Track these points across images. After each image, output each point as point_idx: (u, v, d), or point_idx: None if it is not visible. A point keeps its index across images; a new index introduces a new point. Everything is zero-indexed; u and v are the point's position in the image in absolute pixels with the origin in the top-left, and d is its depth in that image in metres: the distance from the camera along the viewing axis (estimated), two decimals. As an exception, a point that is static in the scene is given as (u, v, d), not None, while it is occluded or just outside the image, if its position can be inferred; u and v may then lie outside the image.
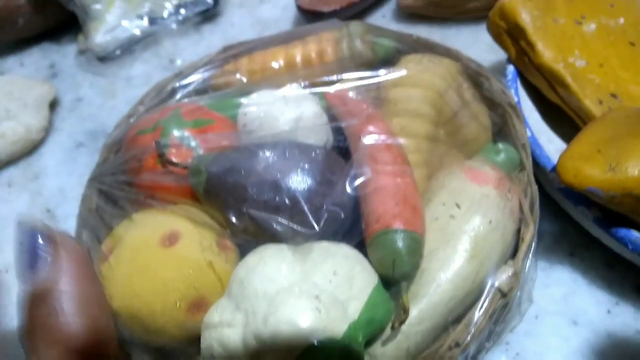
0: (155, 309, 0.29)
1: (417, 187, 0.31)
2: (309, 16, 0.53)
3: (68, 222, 0.44)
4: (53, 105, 0.52)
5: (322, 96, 0.38)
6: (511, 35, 0.40)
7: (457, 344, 0.27)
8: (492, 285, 0.29)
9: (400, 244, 0.28)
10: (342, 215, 0.30)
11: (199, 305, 0.29)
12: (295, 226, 0.29)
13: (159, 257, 0.30)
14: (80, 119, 0.52)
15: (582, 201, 0.33)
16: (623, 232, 0.31)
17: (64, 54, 0.58)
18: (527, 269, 0.30)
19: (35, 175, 0.48)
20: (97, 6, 0.55)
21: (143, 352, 0.30)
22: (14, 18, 0.56)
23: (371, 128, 0.33)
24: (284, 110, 0.35)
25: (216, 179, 0.31)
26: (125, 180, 0.35)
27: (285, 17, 0.57)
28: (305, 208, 0.29)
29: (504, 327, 0.31)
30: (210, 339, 0.26)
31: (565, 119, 0.38)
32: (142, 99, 0.42)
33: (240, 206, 0.30)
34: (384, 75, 0.38)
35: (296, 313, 0.25)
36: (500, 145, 0.34)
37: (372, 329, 0.27)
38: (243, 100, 0.37)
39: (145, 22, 0.57)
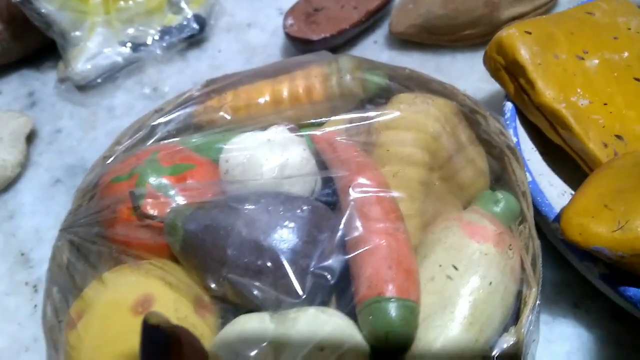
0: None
1: (411, 246, 0.29)
2: (297, 44, 0.51)
3: (43, 267, 0.41)
4: (30, 136, 0.50)
5: (310, 139, 0.35)
6: (509, 72, 0.37)
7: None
8: (493, 358, 0.26)
9: (393, 314, 0.26)
10: (331, 280, 0.27)
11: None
12: (278, 293, 0.27)
13: (131, 326, 0.27)
14: (58, 153, 0.50)
15: (588, 256, 0.30)
16: (632, 291, 0.29)
17: (44, 81, 0.56)
18: (530, 333, 0.28)
19: (10, 214, 0.46)
20: (77, 33, 0.52)
21: None
22: (-8, 45, 0.54)
23: (361, 179, 0.31)
24: (269, 156, 0.33)
25: (193, 238, 0.29)
26: (98, 232, 0.33)
27: (273, 42, 0.55)
28: (290, 272, 0.27)
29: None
30: None
31: (567, 160, 0.36)
32: (119, 138, 0.40)
33: (219, 269, 0.28)
34: (375, 116, 0.36)
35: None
36: (499, 194, 0.32)
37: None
38: (226, 145, 0.35)
39: (128, 48, 0.54)
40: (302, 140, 0.35)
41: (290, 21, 0.51)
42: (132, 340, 0.27)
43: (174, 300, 0.28)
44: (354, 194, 0.30)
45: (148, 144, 0.39)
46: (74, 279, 0.32)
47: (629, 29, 0.39)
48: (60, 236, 0.35)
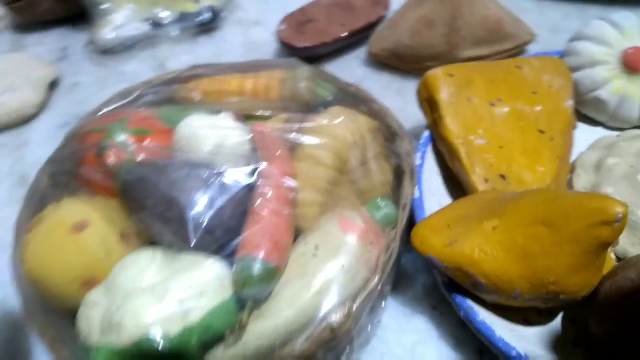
0: (55, 280, 0.35)
1: (289, 225, 0.36)
2: (285, 47, 0.58)
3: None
4: (53, 84, 0.60)
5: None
6: (429, 105, 0.44)
7: (280, 362, 0.32)
8: (325, 320, 0.33)
9: (254, 270, 0.33)
10: (217, 235, 0.35)
11: (91, 284, 0.35)
12: (177, 239, 0.35)
13: (66, 239, 0.36)
14: (72, 102, 0.59)
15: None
16: (459, 298, 0.35)
17: (77, 40, 0.66)
18: (366, 313, 0.35)
19: (21, 144, 0.56)
20: (107, 5, 0.62)
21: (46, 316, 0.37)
22: (39, 2, 0.64)
23: (272, 168, 0.39)
24: (209, 135, 0.41)
25: (127, 185, 0.37)
26: (69, 169, 0.42)
27: (271, 41, 0.63)
28: (189, 224, 0.35)
29: (337, 357, 0.36)
30: (81, 314, 0.33)
31: (460, 188, 0.42)
32: (110, 99, 0.49)
33: (140, 212, 0.36)
34: (307, 120, 0.43)
35: (140, 308, 0.30)
36: (382, 203, 0.39)
37: (209, 335, 0.32)
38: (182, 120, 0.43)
39: (148, 25, 0.63)
40: (243, 127, 0.43)
41: (283, 26, 0.59)
42: (66, 250, 0.36)
43: (105, 227, 0.37)
44: (263, 177, 0.38)
45: (129, 108, 0.48)
46: (43, 200, 0.41)
47: (551, 86, 0.45)
48: (44, 166, 0.44)
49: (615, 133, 0.46)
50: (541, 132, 0.43)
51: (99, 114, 0.47)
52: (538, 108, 0.44)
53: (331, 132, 0.41)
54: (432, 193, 0.42)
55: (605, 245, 0.30)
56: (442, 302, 0.40)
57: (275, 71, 0.48)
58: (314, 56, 0.59)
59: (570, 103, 0.45)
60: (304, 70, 0.48)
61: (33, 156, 0.54)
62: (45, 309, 0.36)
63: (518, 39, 0.55)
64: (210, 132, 0.41)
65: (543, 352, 0.34)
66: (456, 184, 0.44)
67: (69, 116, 0.58)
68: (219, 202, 0.36)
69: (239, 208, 0.37)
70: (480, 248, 0.33)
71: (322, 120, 0.43)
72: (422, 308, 0.40)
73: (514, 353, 0.33)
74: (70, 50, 0.65)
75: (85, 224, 0.37)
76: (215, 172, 0.38)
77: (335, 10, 0.60)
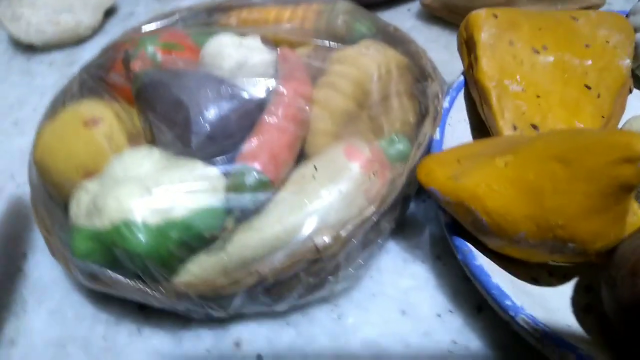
0: (60, 166, 0.36)
1: (292, 143, 0.35)
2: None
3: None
4: (110, 11, 0.62)
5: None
6: (468, 47, 0.41)
7: (258, 273, 0.31)
8: (310, 239, 0.32)
9: (247, 179, 0.33)
10: (219, 142, 0.34)
11: (92, 175, 0.36)
12: (179, 141, 0.35)
13: (78, 132, 0.37)
14: (124, 29, 0.61)
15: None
16: (459, 241, 0.33)
17: (142, -25, 0.68)
18: (357, 242, 0.33)
19: (72, 62, 0.58)
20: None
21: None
22: None
23: (287, 87, 0.37)
24: (233, 53, 0.41)
25: (142, 88, 0.38)
26: (99, 74, 0.43)
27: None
28: (192, 128, 0.35)
29: (322, 284, 0.34)
30: (73, 198, 0.33)
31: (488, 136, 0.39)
32: (151, 19, 0.49)
33: (149, 114, 0.36)
34: (334, 49, 0.42)
35: (125, 194, 0.30)
36: (396, 138, 0.37)
37: (191, 234, 0.31)
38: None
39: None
40: (268, 50, 0.42)
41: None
42: (75, 141, 0.37)
43: (116, 126, 0.37)
44: (277, 94, 0.37)
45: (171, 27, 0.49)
46: (69, 101, 0.42)
47: (607, 41, 0.41)
48: (78, 72, 0.45)
49: (678, 103, 0.41)
50: (587, 87, 0.39)
51: (140, 31, 0.48)
52: (588, 62, 0.40)
53: (356, 62, 0.40)
54: (456, 138, 0.39)
55: (627, 188, 0.26)
56: (447, 254, 0.38)
57: (314, 3, 0.47)
58: (365, 3, 0.57)
59: (627, 62, 0.40)
60: (343, 4, 0.46)
61: (81, 74, 0.57)
62: (48, 196, 0.37)
63: (584, 1, 0.50)
64: (234, 51, 0.41)
65: (545, 313, 0.31)
66: (485, 134, 0.40)
67: (120, 42, 0.60)
68: (227, 112, 0.36)
69: (246, 120, 0.36)
70: (486, 183, 0.30)
71: (350, 50, 0.41)
72: (425, 256, 0.38)
73: (508, 302, 0.30)
74: (133, -17, 0.67)
75: (98, 120, 0.38)
76: (229, 84, 0.37)
77: (394, -41, 0.58)
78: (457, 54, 0.42)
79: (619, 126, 0.40)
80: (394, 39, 0.45)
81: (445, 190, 0.31)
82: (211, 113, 0.35)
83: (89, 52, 0.59)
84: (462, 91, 0.41)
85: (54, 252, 0.34)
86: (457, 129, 0.40)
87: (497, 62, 0.39)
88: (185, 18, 0.50)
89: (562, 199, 0.27)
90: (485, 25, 0.40)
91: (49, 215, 0.36)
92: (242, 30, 0.46)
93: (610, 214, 0.27)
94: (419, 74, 0.42)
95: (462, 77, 0.42)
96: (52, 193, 0.37)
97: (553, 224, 0.28)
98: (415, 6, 0.58)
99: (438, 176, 0.32)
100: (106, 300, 0.37)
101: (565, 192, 0.27)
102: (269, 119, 0.36)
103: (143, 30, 0.49)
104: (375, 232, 0.35)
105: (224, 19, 0.49)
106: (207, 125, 0.35)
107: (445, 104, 0.40)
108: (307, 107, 0.37)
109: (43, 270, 0.40)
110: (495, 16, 0.40)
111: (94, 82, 0.43)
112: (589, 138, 0.27)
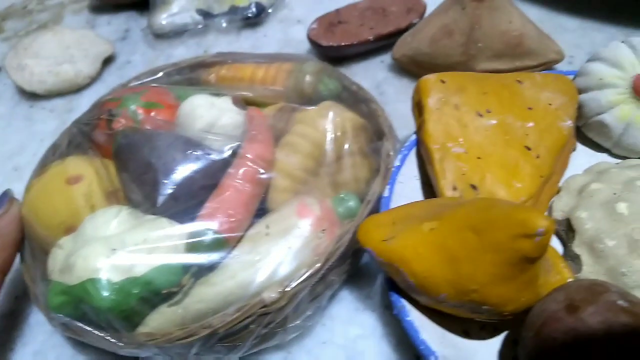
0: (45, 222, 0.40)
1: (248, 202, 0.39)
2: (313, 45, 0.61)
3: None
4: (108, 60, 0.67)
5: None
6: (418, 109, 0.44)
7: (210, 326, 0.35)
8: (259, 294, 0.35)
9: (206, 238, 0.36)
10: (181, 202, 0.38)
11: (72, 231, 0.40)
12: (146, 200, 0.39)
13: (61, 189, 0.41)
14: (121, 78, 0.66)
15: (384, 262, 0.37)
16: (395, 296, 0.36)
17: (138, 24, 0.73)
18: (305, 296, 0.36)
19: (69, 109, 0.63)
20: (166, -6, 0.68)
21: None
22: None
23: (250, 149, 0.41)
24: (204, 114, 0.45)
25: (119, 149, 0.42)
26: (85, 131, 0.47)
27: (306, 40, 0.65)
28: (159, 189, 0.39)
29: (273, 335, 0.37)
30: (50, 254, 0.37)
31: (434, 195, 0.42)
32: (139, 75, 0.54)
33: (124, 173, 0.41)
34: (299, 111, 0.45)
35: (92, 254, 0.34)
36: (346, 196, 0.41)
37: (150, 290, 0.35)
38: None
39: (200, 16, 0.69)
40: (238, 111, 0.46)
41: (314, 25, 0.61)
42: (58, 198, 0.41)
43: (95, 185, 0.41)
44: (239, 156, 0.41)
45: (154, 84, 0.53)
46: (58, 156, 0.47)
47: (550, 104, 0.44)
48: (69, 127, 0.50)
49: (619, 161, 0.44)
50: (528, 148, 0.42)
51: (127, 86, 0.53)
52: (530, 124, 0.42)
53: (314, 123, 0.43)
54: (405, 195, 0.42)
55: (528, 260, 0.29)
56: (396, 303, 0.41)
57: (286, 63, 0.51)
58: (340, 56, 0.61)
59: (568, 124, 0.43)
60: (310, 65, 0.50)
61: (78, 121, 0.61)
62: (33, 249, 0.42)
63: (543, 57, 0.53)
64: (205, 112, 0.45)
65: (473, 365, 0.34)
66: (432, 191, 0.44)
67: (116, 90, 0.64)
68: (192, 173, 0.39)
69: (210, 180, 0.40)
70: (413, 247, 0.33)
71: (311, 112, 0.45)
72: (375, 305, 0.41)
73: (432, 358, 0.33)
74: (131, 32, 0.72)
75: (79, 178, 0.42)
76: (197, 146, 0.41)
77: (369, 14, 0.62)
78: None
79: (560, 183, 0.43)
80: (356, 97, 0.49)
81: (379, 251, 0.34)
82: (177, 174, 0.39)
83: (87, 99, 0.64)
84: (415, 149, 0.45)
85: (35, 300, 0.38)
86: (407, 185, 0.43)
87: (442, 126, 0.42)
88: (170, 74, 0.54)
89: (474, 267, 0.31)
90: (433, 90, 0.43)
91: (34, 266, 0.40)
92: (218, 88, 0.50)
93: (517, 281, 0.30)
94: (375, 132, 0.45)
95: (414, 136, 0.45)
96: (37, 246, 0.41)
97: (468, 289, 0.31)
98: (388, 58, 0.61)
99: (374, 237, 0.35)
100: (84, 344, 0.41)
101: (476, 261, 0.31)
102: (229, 180, 0.39)
103: (130, 86, 0.53)
104: (323, 285, 0.38)
105: (205, 75, 0.54)
106: (172, 186, 0.39)
107: (397, 162, 0.43)
108: (266, 170, 0.41)
109: (29, 313, 0.44)
110: (443, 82, 0.44)
111: (81, 138, 0.47)
112: (498, 211, 0.31)
